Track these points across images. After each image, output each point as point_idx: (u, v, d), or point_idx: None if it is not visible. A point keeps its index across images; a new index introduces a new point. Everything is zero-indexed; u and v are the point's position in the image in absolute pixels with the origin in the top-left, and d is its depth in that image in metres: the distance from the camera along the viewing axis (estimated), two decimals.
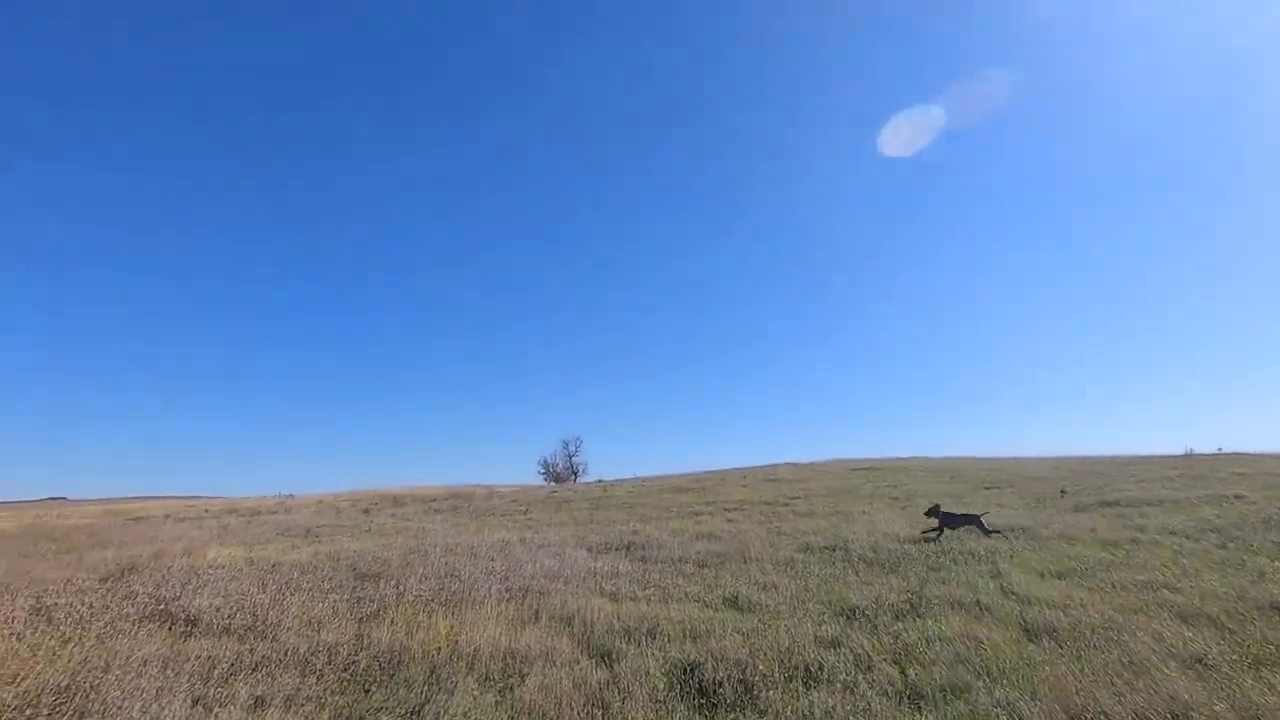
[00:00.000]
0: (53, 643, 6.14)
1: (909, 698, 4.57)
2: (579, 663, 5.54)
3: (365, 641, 6.20)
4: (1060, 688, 4.31)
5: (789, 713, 4.37)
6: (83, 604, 7.89)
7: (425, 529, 18.04)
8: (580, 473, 56.30)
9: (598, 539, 13.43)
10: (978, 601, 6.81)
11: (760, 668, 5.07)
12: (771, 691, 4.71)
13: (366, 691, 5.12)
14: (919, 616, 6.46)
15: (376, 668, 5.59)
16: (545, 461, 57.32)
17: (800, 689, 4.75)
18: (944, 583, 7.88)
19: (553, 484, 50.21)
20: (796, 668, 5.13)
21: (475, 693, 4.93)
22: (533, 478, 56.49)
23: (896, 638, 5.79)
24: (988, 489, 19.40)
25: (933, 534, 11.24)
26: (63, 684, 4.91)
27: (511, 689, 4.99)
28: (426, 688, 5.12)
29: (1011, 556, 9.14)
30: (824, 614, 6.83)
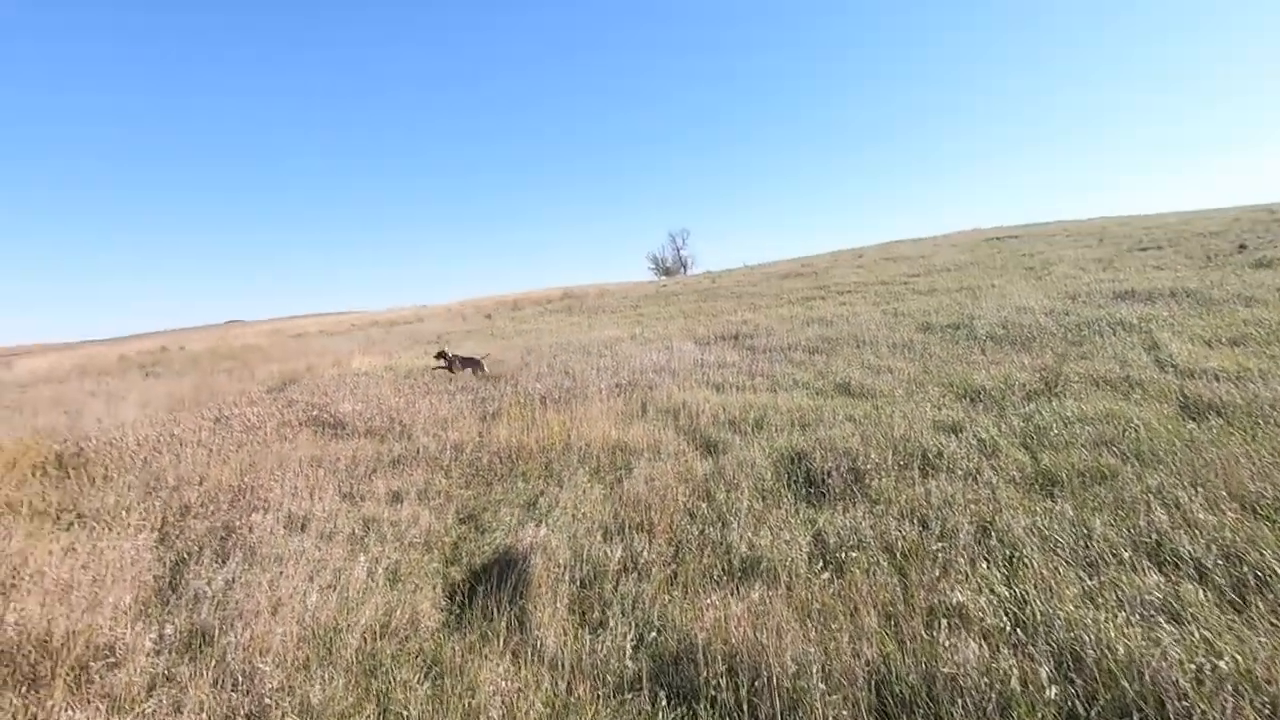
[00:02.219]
0: (229, 448, 7.03)
1: (1040, 485, 4.23)
2: (685, 454, 5.61)
3: (487, 439, 6.61)
4: (1228, 472, 3.78)
5: (903, 501, 4.20)
6: (253, 413, 8.96)
7: (541, 330, 18.85)
8: (689, 265, 56.11)
9: (705, 330, 13.40)
10: (1127, 377, 6.11)
11: (872, 456, 4.87)
12: (883, 480, 4.54)
13: (488, 485, 5.50)
14: (1055, 396, 5.91)
15: (497, 463, 5.97)
16: (654, 256, 57.39)
17: (915, 477, 4.54)
18: (1086, 358, 7.14)
19: (662, 278, 50.66)
20: (912, 455, 4.89)
21: (585, 485, 5.14)
22: (643, 274, 57.10)
23: (1027, 420, 5.34)
24: (1143, 250, 17.13)
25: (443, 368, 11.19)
26: (235, 484, 5.63)
27: (619, 481, 5.16)
28: (541, 481, 5.41)
29: (1171, 324, 8.07)
30: (944, 397, 6.44)
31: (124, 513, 5.17)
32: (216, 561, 4.15)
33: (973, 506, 3.99)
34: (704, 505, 4.50)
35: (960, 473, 4.50)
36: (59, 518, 5.34)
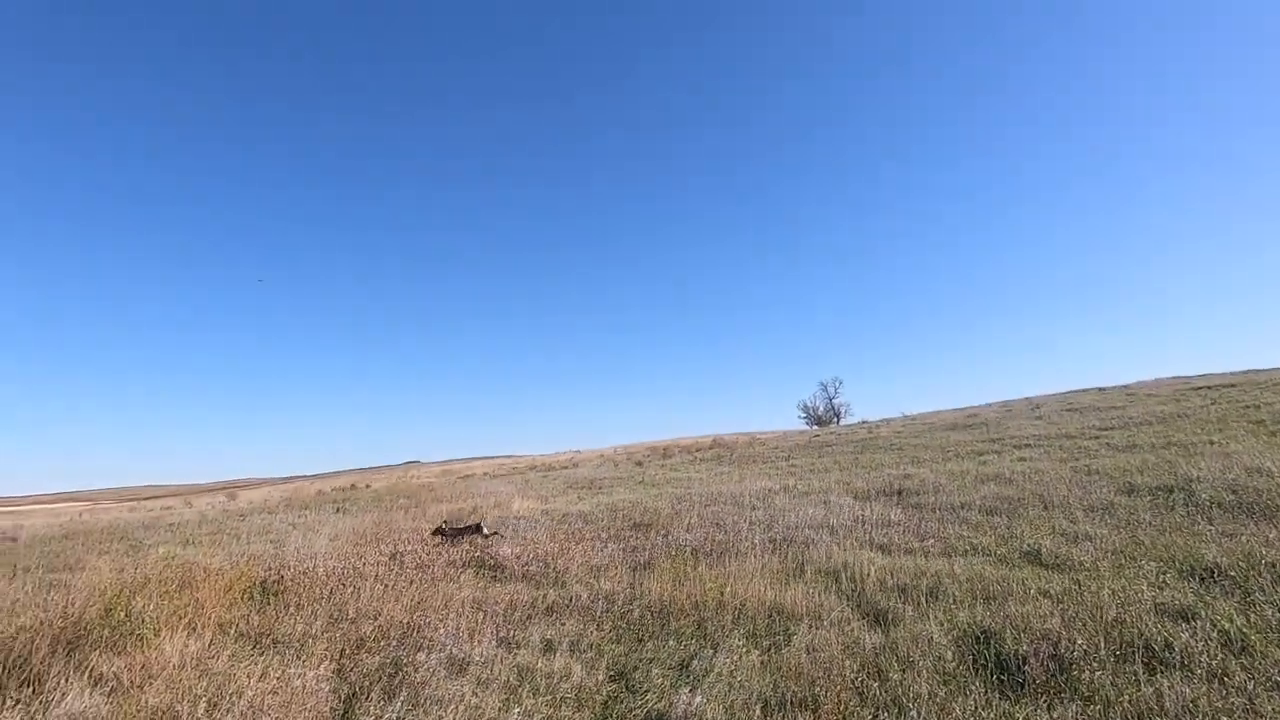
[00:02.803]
0: (402, 584, 7.49)
1: None
2: (849, 623, 5.15)
3: (638, 591, 6.52)
4: None
5: (1125, 702, 3.51)
6: (423, 551, 9.58)
7: (691, 478, 18.79)
8: (843, 414, 54.26)
9: (864, 484, 12.68)
10: None
11: (1079, 641, 4.18)
12: (1097, 672, 3.85)
13: (640, 641, 5.34)
14: None
15: (649, 618, 5.83)
16: (805, 405, 56.23)
17: (1139, 672, 3.81)
18: None
19: (814, 427, 49.27)
20: (1130, 644, 4.13)
21: (741, 649, 4.84)
22: (793, 422, 55.94)
23: None
24: None
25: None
26: (405, 621, 5.94)
27: (777, 648, 4.80)
28: (694, 641, 5.17)
29: None
30: (1164, 575, 5.48)
31: (310, 640, 5.60)
32: (384, 699, 4.31)
33: (1225, 718, 3.24)
34: (875, 685, 4.04)
35: (1200, 672, 3.71)
36: (258, 641, 5.88)
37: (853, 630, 4.97)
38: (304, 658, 5.23)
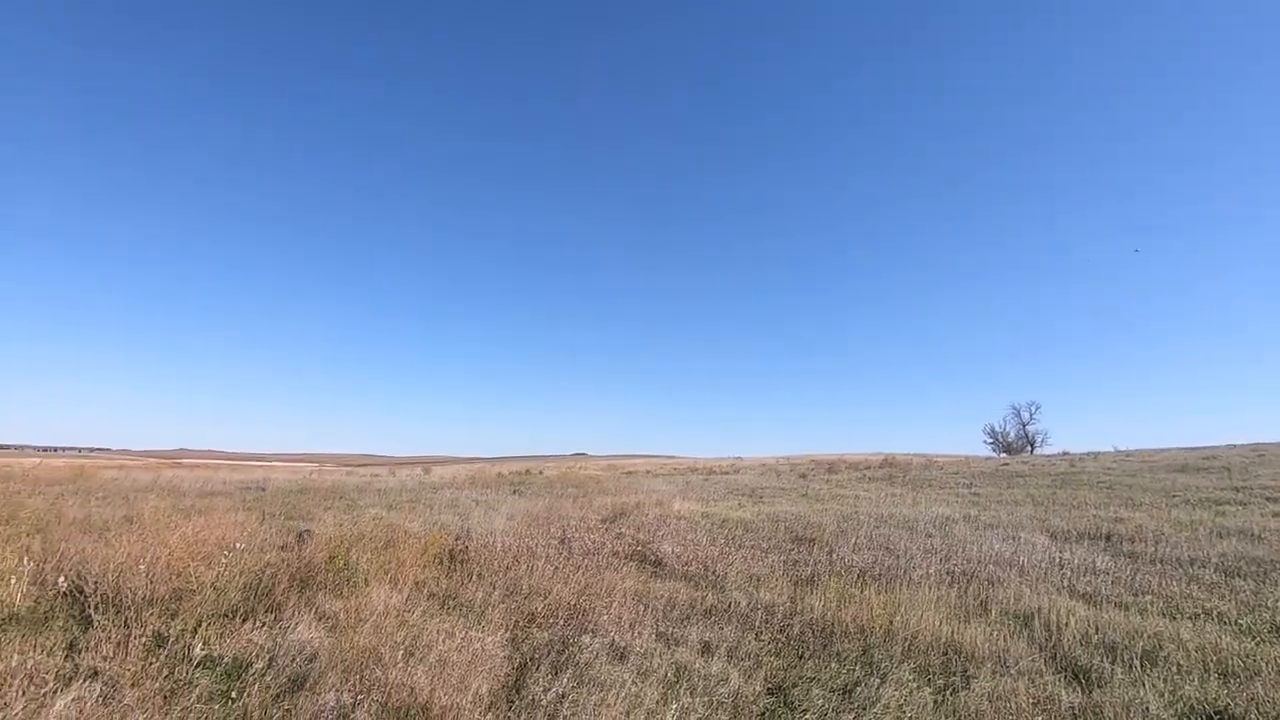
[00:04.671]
0: (569, 568, 7.91)
1: None
2: (1041, 676, 4.60)
3: (798, 606, 6.33)
4: None
5: None
6: (589, 540, 10.05)
7: (859, 497, 17.88)
8: (1037, 443, 48.71)
9: (1063, 523, 11.26)
10: None
11: None
12: None
13: (800, 658, 5.18)
14: None
15: (810, 635, 5.63)
16: (993, 429, 51.25)
17: None
18: None
19: (1002, 455, 44.73)
20: None
21: (911, 685, 4.51)
22: (976, 447, 51.20)
23: None
24: None
25: None
26: (572, 603, 6.26)
27: (954, 690, 4.41)
28: (858, 667, 4.91)
29: None
30: None
31: (489, 609, 6.10)
32: (552, 672, 4.58)
33: None
34: None
35: None
36: (445, 602, 6.51)
37: (1046, 684, 4.43)
38: (483, 624, 5.71)
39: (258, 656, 4.72)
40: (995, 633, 5.45)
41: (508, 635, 5.48)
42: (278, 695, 4.06)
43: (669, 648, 5.31)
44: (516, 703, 4.12)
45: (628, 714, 3.89)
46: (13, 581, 5.75)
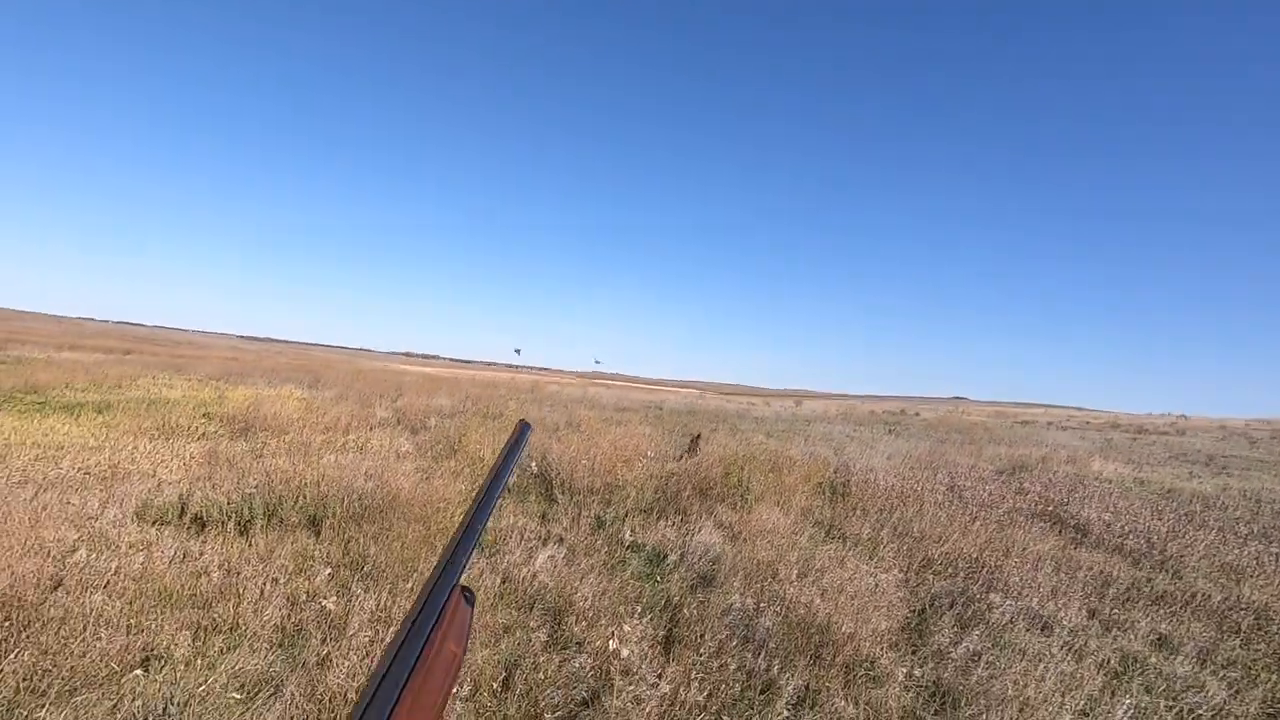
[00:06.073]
0: (964, 519, 7.20)
1: None
2: None
3: None
4: None
5: None
6: (983, 490, 9.03)
7: None
8: None
9: None
10: None
11: None
12: None
13: None
14: None
15: None
16: None
17: None
18: None
19: None
20: None
21: None
22: None
23: None
24: None
25: None
26: (973, 556, 5.67)
27: None
28: None
29: None
30: None
31: (878, 547, 5.90)
32: (957, 626, 4.20)
33: None
34: None
35: None
36: (829, 531, 6.53)
37: None
38: (874, 559, 5.55)
39: (671, 550, 5.37)
40: None
41: (901, 576, 5.22)
42: (692, 586, 4.56)
43: (1107, 631, 4.41)
44: (921, 649, 3.88)
45: (1062, 695, 3.33)
46: None
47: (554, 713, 2.89)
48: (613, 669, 3.21)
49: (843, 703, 3.17)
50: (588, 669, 3.25)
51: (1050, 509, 7.98)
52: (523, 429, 0.80)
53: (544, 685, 3.07)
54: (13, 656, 2.76)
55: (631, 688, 3.07)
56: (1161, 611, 4.83)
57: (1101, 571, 5.64)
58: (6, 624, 3.00)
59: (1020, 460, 12.76)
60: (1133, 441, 20.76)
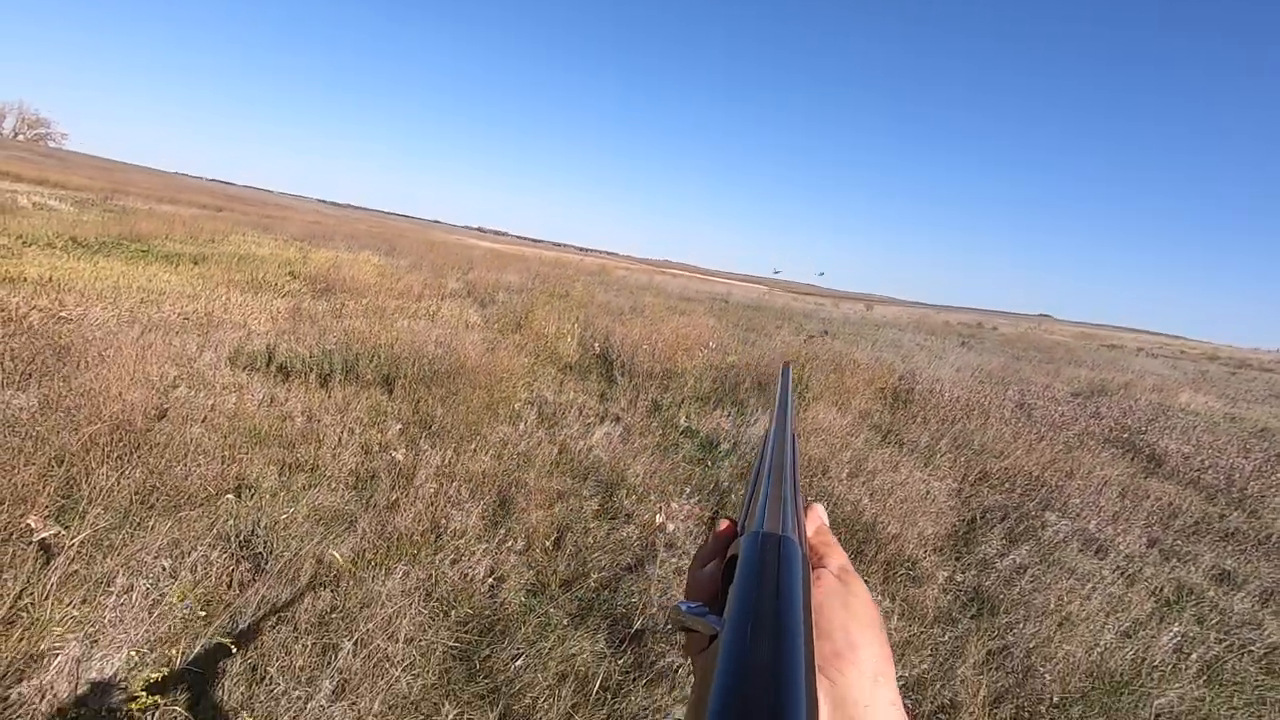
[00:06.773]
0: (1031, 436, 6.99)
1: None
2: None
3: None
4: None
5: None
6: (1055, 410, 8.69)
7: None
8: None
9: None
10: None
11: None
12: None
13: None
14: None
15: None
16: None
17: None
18: None
19: None
20: None
21: None
22: None
23: None
24: None
25: None
26: (1034, 474, 5.53)
27: None
28: None
29: None
30: None
31: (935, 456, 5.83)
32: (1006, 540, 4.18)
33: None
34: None
35: None
36: (886, 436, 6.47)
37: None
38: (929, 467, 5.50)
39: (724, 439, 5.45)
40: None
41: (955, 486, 5.18)
42: (741, 474, 4.65)
43: (1166, 560, 4.30)
44: (965, 557, 3.89)
45: (1106, 615, 3.30)
46: (570, 340, 7.76)
47: (599, 573, 3.07)
48: (658, 541, 3.36)
49: (879, 597, 3.24)
50: (634, 539, 3.42)
51: (1125, 436, 7.64)
52: (784, 371, 0.75)
53: (592, 549, 3.25)
54: (126, 472, 3.09)
55: (675, 560, 3.22)
56: (1229, 548, 4.66)
57: (1171, 503, 5.43)
58: (121, 444, 3.35)
59: (1100, 384, 12.15)
60: (1231, 375, 19.40)
